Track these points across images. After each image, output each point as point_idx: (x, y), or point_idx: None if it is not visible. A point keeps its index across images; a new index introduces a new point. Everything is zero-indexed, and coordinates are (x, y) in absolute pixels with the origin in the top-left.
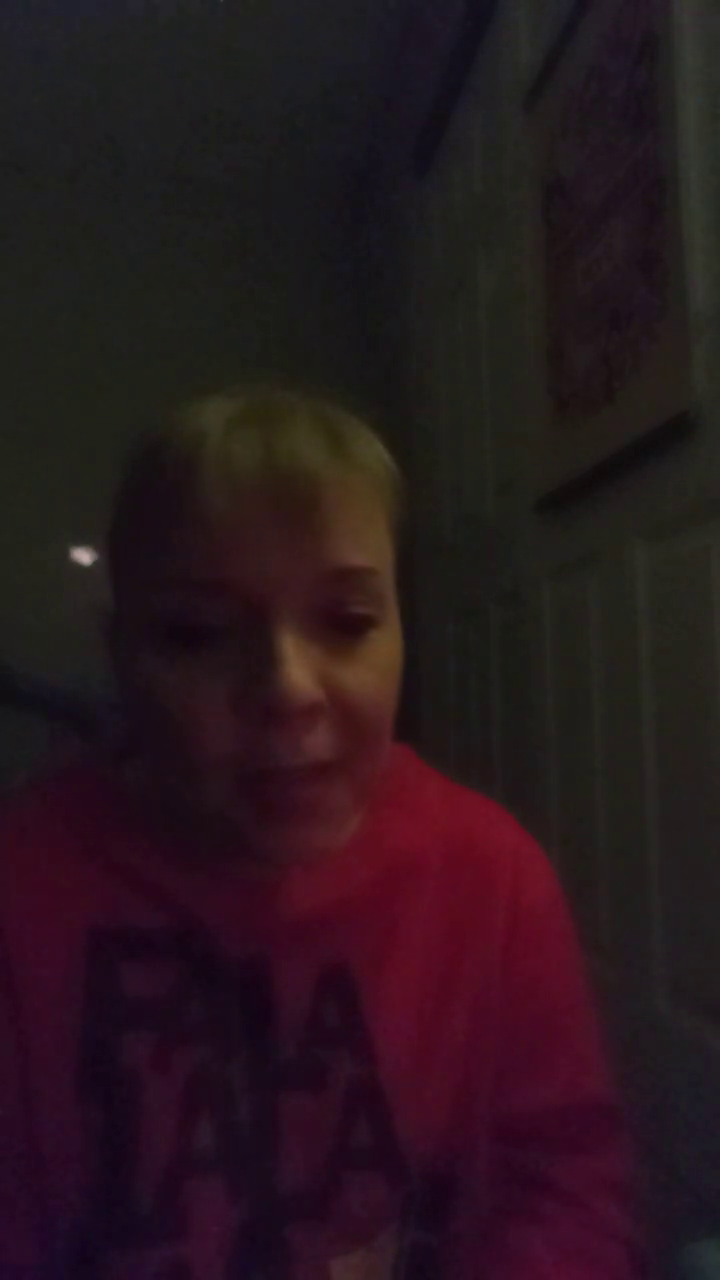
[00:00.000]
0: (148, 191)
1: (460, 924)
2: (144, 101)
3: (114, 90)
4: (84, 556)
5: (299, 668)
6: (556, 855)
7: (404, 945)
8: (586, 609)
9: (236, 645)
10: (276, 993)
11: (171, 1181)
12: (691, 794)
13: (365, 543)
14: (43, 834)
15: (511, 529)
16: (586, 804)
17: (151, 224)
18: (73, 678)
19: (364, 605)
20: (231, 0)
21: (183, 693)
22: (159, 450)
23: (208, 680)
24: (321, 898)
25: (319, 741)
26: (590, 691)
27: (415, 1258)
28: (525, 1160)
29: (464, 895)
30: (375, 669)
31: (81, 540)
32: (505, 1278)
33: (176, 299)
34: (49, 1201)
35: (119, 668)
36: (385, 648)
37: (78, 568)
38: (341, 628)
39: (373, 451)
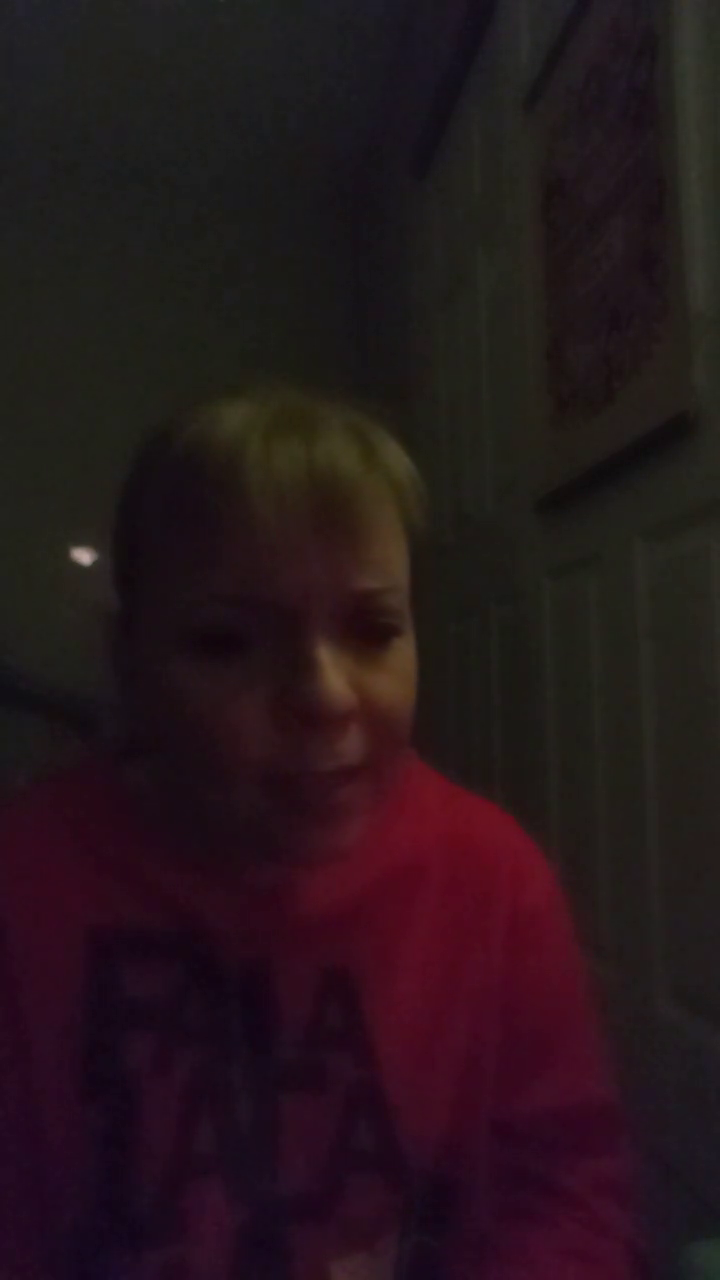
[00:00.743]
0: (148, 192)
1: (461, 926)
2: (144, 101)
3: (114, 90)
4: (84, 556)
5: (336, 676)
6: (556, 856)
7: (405, 948)
8: (586, 609)
9: (270, 653)
10: (278, 995)
11: (172, 1182)
12: (692, 795)
13: (395, 554)
14: (44, 834)
15: (511, 529)
16: (586, 804)
17: (151, 224)
18: (72, 679)
19: (390, 615)
20: (231, 1)
21: (219, 700)
22: (194, 455)
23: (244, 688)
24: (323, 900)
25: (350, 746)
26: (590, 692)
27: (416, 1260)
28: (526, 1161)
29: (464, 898)
30: (399, 676)
31: (81, 540)
32: (506, 1278)
33: (176, 299)
34: (50, 1202)
35: (130, 671)
36: (407, 655)
37: (78, 568)
38: (368, 636)
39: (401, 461)
